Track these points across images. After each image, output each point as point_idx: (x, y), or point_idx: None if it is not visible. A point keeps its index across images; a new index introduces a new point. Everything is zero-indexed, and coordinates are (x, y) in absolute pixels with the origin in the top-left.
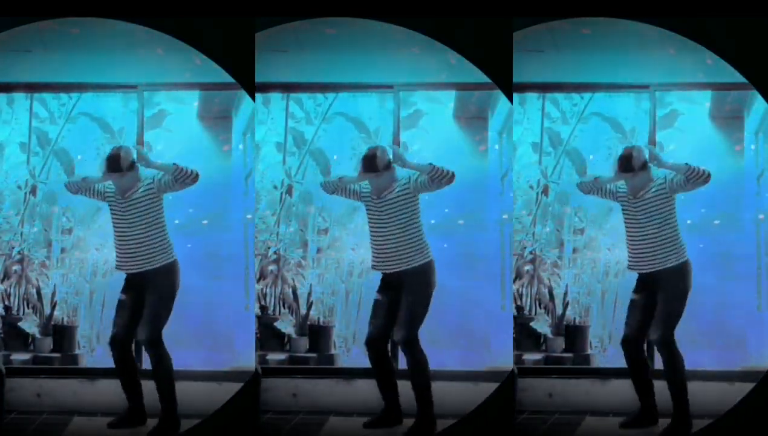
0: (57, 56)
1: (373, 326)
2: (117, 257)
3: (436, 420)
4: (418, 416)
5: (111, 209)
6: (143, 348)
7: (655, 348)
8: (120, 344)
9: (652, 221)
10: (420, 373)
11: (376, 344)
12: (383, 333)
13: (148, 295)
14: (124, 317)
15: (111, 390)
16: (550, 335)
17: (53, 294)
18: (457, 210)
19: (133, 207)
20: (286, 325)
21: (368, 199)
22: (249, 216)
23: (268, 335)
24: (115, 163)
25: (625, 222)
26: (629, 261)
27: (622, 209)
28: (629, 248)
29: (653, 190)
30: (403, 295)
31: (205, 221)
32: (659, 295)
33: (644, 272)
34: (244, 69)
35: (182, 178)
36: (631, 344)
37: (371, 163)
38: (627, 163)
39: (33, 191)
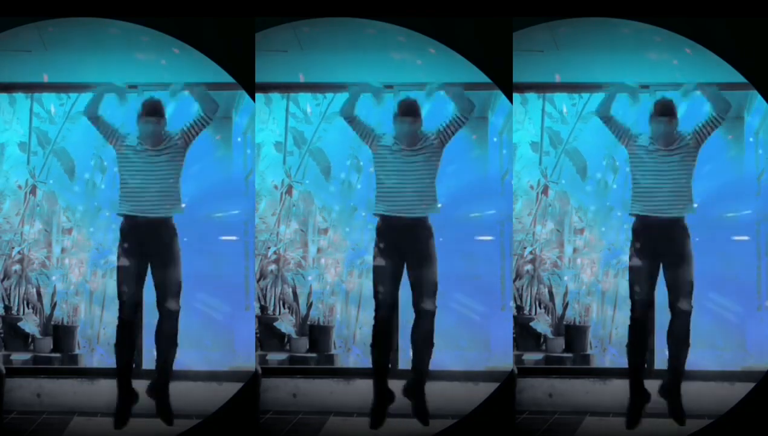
0: (57, 56)
1: (383, 296)
2: (127, 203)
3: (438, 419)
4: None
5: (128, 159)
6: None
7: (674, 326)
8: (132, 315)
9: (674, 171)
10: (430, 342)
11: (389, 316)
12: (394, 304)
13: (159, 260)
14: (132, 285)
15: (111, 390)
16: (550, 335)
17: (53, 294)
18: (456, 209)
19: (165, 154)
20: (286, 325)
21: (391, 147)
22: (243, 208)
23: (268, 335)
24: (157, 108)
25: (639, 171)
26: (637, 205)
27: (639, 158)
28: (639, 194)
29: (682, 142)
30: (417, 260)
31: (204, 221)
32: (671, 258)
33: (653, 216)
34: (244, 69)
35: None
36: (642, 320)
37: (411, 108)
38: (668, 108)
39: (33, 191)
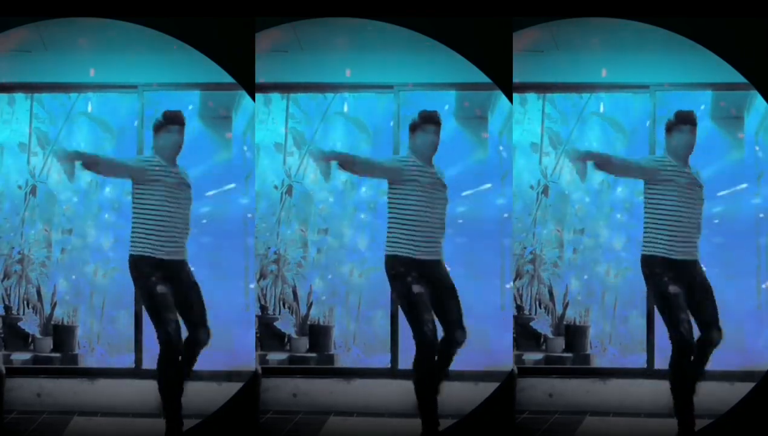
0: (57, 56)
1: (430, 322)
2: (157, 241)
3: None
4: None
5: (152, 187)
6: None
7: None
8: (179, 339)
9: (696, 203)
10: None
11: (435, 342)
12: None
13: (187, 289)
14: (174, 310)
15: (111, 390)
16: (550, 335)
17: (53, 294)
18: (457, 210)
19: (184, 184)
20: (286, 325)
21: (416, 172)
22: (249, 215)
23: (268, 335)
24: (179, 118)
25: (674, 202)
26: (676, 246)
27: (668, 189)
28: (672, 231)
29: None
30: (443, 291)
31: (204, 221)
32: (699, 287)
33: (689, 259)
34: (244, 69)
35: None
36: (690, 346)
37: (434, 117)
38: (690, 117)
39: (33, 191)
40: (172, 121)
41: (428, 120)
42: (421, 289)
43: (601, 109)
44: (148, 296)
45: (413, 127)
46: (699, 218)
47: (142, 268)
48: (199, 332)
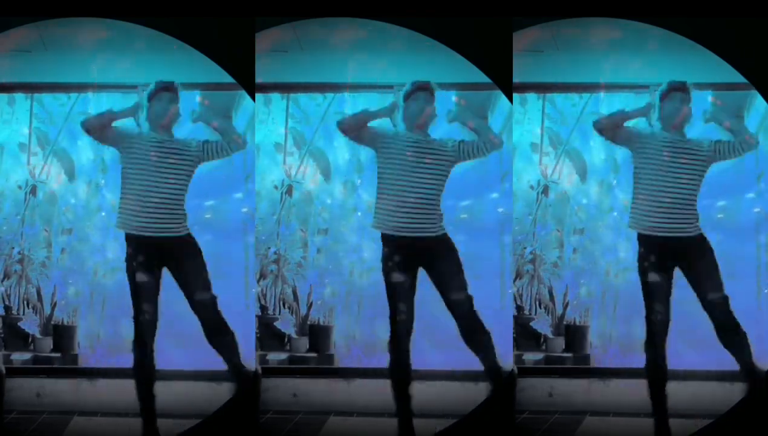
0: (57, 56)
1: (402, 313)
2: (131, 214)
3: (438, 419)
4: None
5: (133, 156)
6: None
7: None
8: (147, 333)
9: (683, 177)
10: None
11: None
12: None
13: (187, 264)
14: (152, 300)
15: (111, 390)
16: (550, 335)
17: (53, 294)
18: (456, 210)
19: (175, 154)
20: (286, 325)
21: (401, 139)
22: (244, 209)
23: (268, 335)
24: (171, 86)
25: (642, 171)
26: (650, 220)
27: (644, 152)
28: (646, 203)
29: (705, 146)
30: (444, 268)
31: (207, 216)
32: (694, 262)
33: (674, 236)
34: (244, 69)
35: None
36: (654, 336)
37: (424, 84)
38: (682, 84)
39: (33, 191)
40: (163, 88)
41: (419, 88)
42: (401, 277)
43: (601, 109)
44: (130, 281)
45: (406, 96)
46: (685, 189)
47: (127, 246)
48: (196, 297)
